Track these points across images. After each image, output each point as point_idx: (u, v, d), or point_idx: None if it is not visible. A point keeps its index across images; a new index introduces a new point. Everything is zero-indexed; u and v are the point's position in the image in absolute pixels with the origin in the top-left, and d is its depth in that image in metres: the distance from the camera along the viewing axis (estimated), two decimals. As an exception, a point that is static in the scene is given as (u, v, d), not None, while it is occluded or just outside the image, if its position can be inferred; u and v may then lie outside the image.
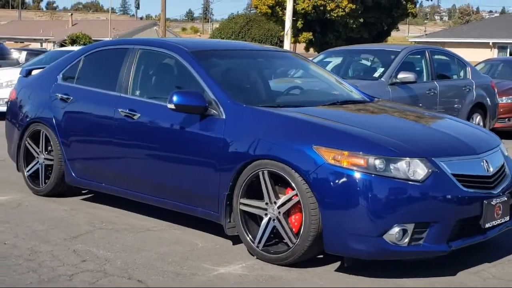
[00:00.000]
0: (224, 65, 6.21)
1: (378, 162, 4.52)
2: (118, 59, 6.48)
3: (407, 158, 4.57)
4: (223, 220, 5.25)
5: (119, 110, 6.08)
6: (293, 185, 4.74)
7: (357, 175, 4.51)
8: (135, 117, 5.93)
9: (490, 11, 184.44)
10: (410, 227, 4.52)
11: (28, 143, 7.13)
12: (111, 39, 59.17)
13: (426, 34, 60.33)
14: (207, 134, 5.36)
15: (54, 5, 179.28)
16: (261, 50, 7.06)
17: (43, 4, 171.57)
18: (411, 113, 5.96)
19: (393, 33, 50.75)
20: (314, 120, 5.04)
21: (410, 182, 4.52)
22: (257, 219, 5.13)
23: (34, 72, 7.77)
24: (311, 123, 4.99)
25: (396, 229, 4.49)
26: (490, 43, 40.44)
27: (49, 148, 6.99)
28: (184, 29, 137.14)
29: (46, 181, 6.98)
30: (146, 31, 64.67)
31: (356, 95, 6.37)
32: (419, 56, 10.99)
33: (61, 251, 5.17)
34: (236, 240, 5.38)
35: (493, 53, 39.56)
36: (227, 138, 5.21)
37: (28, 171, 7.15)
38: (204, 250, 5.30)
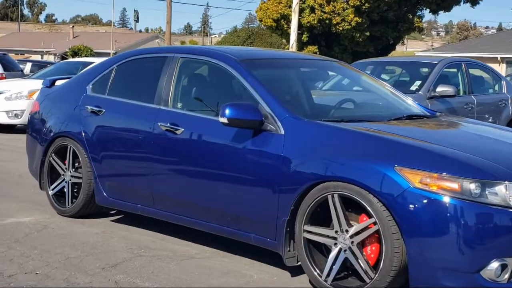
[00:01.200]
0: (276, 75, 5.66)
1: (473, 186, 3.96)
2: (156, 68, 5.93)
3: (506, 182, 4.01)
4: (282, 248, 4.68)
5: (159, 124, 5.53)
6: (370, 211, 4.17)
7: (449, 200, 3.95)
8: (178, 132, 5.37)
9: (487, 27, 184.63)
10: (510, 261, 3.95)
11: (53, 159, 6.56)
12: (113, 51, 58.84)
13: (433, 48, 59.90)
14: (263, 151, 4.80)
15: (53, 17, 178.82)
16: (310, 59, 6.50)
17: (42, 17, 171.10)
18: (485, 129, 5.40)
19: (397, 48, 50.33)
20: (394, 138, 4.48)
21: (510, 209, 3.95)
22: (323, 249, 4.56)
23: (58, 83, 7.20)
24: (390, 141, 4.43)
25: (495, 264, 3.92)
26: (499, 58, 40.00)
27: (77, 164, 6.43)
28: (183, 43, 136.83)
29: (73, 200, 6.41)
30: (148, 43, 64.21)
31: (416, 109, 5.82)
32: (455, 69, 10.47)
33: (101, 283, 4.60)
34: (294, 271, 4.83)
35: (501, 68, 39.13)
36: (287, 156, 4.65)
37: (52, 190, 6.57)
38: (261, 283, 4.74)
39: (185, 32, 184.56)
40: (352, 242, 4.30)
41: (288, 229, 4.64)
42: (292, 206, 4.58)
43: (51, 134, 6.56)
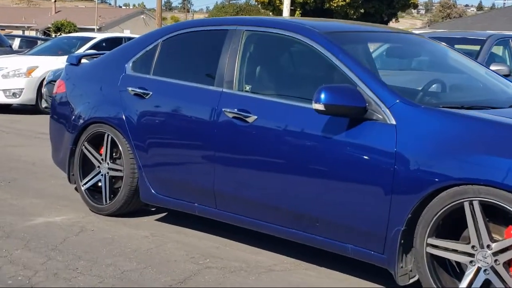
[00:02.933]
0: (366, 52, 4.78)
1: None
2: (214, 44, 5.04)
3: None
4: (394, 264, 3.85)
5: (224, 110, 4.65)
6: (526, 224, 3.33)
7: None
8: (249, 120, 4.49)
9: (466, 5, 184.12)
10: None
11: (86, 148, 5.65)
12: (98, 27, 57.34)
13: (429, 26, 58.89)
14: (367, 146, 3.94)
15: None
16: (396, 33, 5.60)
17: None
18: None
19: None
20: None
21: None
22: (447, 265, 3.73)
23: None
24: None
25: None
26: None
27: (115, 155, 5.53)
28: (164, 19, 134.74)
29: (112, 197, 5.51)
30: (133, 19, 62.63)
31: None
32: (502, 46, 9.62)
33: (176, 307, 3.72)
34: (404, 289, 3.98)
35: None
36: (402, 152, 3.79)
37: (85, 184, 5.67)
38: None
39: (164, 8, 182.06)
40: (496, 261, 3.46)
41: (402, 241, 3.79)
42: (409, 214, 3.73)
43: (83, 120, 5.64)
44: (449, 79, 5.06)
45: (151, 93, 5.20)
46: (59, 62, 13.28)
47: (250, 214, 4.60)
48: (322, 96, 3.93)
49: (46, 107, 12.17)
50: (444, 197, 3.60)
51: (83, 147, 5.66)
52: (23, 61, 13.36)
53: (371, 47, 5.49)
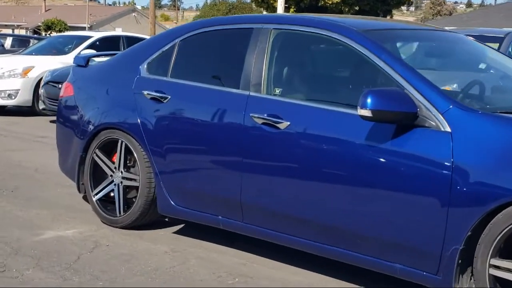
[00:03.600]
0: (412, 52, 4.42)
1: None
2: (239, 43, 4.67)
3: None
4: (451, 286, 3.47)
5: (252, 115, 4.28)
6: None
7: None
8: (280, 126, 4.12)
9: (456, 2, 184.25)
10: None
11: (97, 156, 5.26)
12: (89, 25, 56.69)
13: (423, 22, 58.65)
14: (419, 156, 3.57)
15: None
16: (432, 30, 5.22)
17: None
18: None
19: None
20: None
21: None
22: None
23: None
24: None
25: None
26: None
27: (129, 163, 5.15)
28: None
29: (126, 208, 5.12)
30: (124, 17, 62.02)
31: None
32: (517, 44, 9.24)
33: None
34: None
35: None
36: (459, 163, 3.43)
37: (97, 194, 5.28)
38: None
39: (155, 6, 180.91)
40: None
41: (460, 261, 3.43)
42: (469, 232, 3.37)
43: (94, 126, 5.25)
44: (489, 79, 4.71)
45: (169, 97, 4.82)
46: (56, 62, 12.90)
47: (281, 228, 4.24)
48: (369, 101, 3.56)
49: (43, 109, 11.75)
50: (510, 214, 3.24)
51: (94, 154, 5.28)
52: (19, 61, 12.92)
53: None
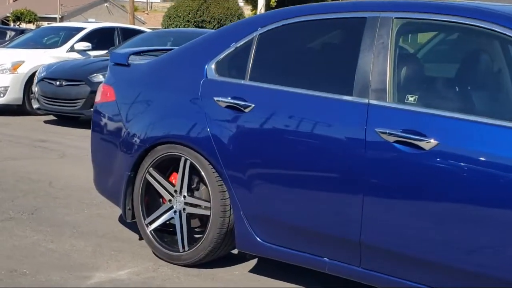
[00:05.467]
0: None
1: None
2: (346, 37, 3.75)
3: None
4: None
5: (378, 131, 3.29)
6: None
7: None
8: (425, 146, 3.15)
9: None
10: None
11: (152, 176, 4.24)
12: (60, 16, 54.97)
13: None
14: None
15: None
16: None
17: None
18: None
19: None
20: None
21: None
22: None
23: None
24: None
25: None
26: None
27: (194, 185, 4.16)
28: (123, 7, 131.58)
29: (192, 242, 4.13)
30: (96, 8, 60.18)
31: None
32: None
33: None
34: None
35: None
36: None
37: (152, 223, 4.27)
38: None
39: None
40: None
41: None
42: None
43: (147, 139, 4.25)
44: None
45: (253, 105, 3.82)
46: (47, 56, 11.80)
47: (419, 278, 3.27)
48: None
49: (38, 108, 10.65)
50: None
51: (148, 174, 4.25)
52: (7, 55, 11.74)
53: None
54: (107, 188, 4.66)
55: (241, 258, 4.32)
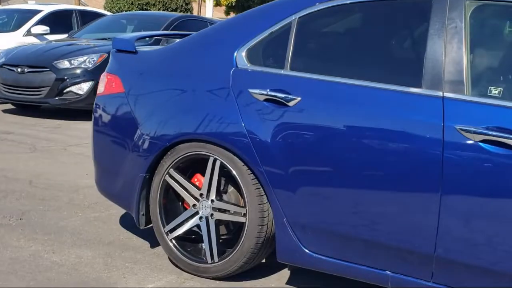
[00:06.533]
0: None
1: None
2: (407, 21, 3.33)
3: None
4: None
5: (459, 127, 2.88)
6: None
7: None
8: (519, 146, 2.75)
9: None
10: None
11: (173, 178, 3.75)
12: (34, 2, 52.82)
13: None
14: None
15: None
16: None
17: None
18: None
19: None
20: None
21: None
22: None
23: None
24: None
25: None
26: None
27: (223, 188, 3.69)
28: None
29: (223, 252, 3.67)
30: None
31: None
32: None
33: None
34: None
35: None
36: None
37: (173, 231, 3.78)
38: None
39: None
40: None
41: None
42: None
43: (168, 137, 3.73)
44: None
45: (299, 98, 3.36)
46: (5, 40, 11.01)
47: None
48: None
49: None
50: None
51: (168, 175, 3.75)
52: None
53: None
54: (114, 191, 4.14)
55: (270, 266, 3.87)
